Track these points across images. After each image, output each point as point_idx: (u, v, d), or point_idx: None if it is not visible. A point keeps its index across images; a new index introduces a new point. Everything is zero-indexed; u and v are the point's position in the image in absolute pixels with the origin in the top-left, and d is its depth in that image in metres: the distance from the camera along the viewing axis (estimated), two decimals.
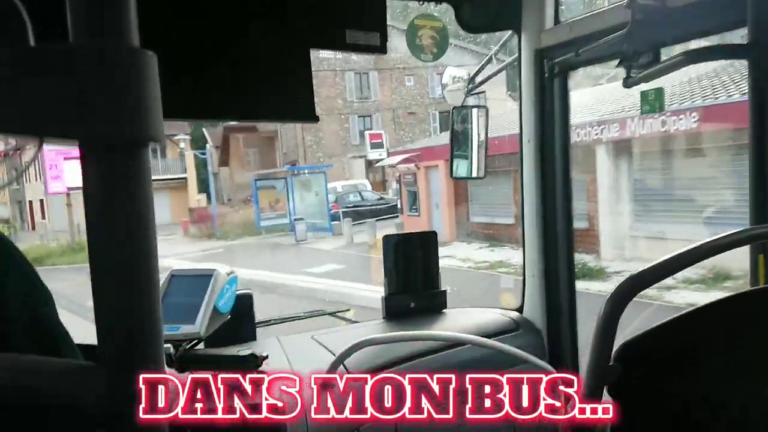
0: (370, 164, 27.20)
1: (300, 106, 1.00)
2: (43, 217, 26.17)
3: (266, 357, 1.17)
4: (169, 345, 1.15)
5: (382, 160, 21.35)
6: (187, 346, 1.18)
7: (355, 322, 1.73)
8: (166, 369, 1.21)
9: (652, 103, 1.62)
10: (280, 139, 29.35)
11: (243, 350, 1.18)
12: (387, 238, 1.72)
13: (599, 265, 9.18)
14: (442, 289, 1.76)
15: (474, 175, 1.78)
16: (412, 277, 1.73)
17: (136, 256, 0.37)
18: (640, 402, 0.80)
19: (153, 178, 0.39)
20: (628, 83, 1.39)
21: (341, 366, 1.29)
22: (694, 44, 1.33)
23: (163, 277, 1.22)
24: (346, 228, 15.84)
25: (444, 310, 1.75)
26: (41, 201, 26.20)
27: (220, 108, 0.96)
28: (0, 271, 0.56)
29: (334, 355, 1.29)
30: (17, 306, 0.56)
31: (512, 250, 11.32)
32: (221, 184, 30.38)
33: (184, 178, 27.95)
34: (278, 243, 17.14)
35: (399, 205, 17.46)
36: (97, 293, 0.37)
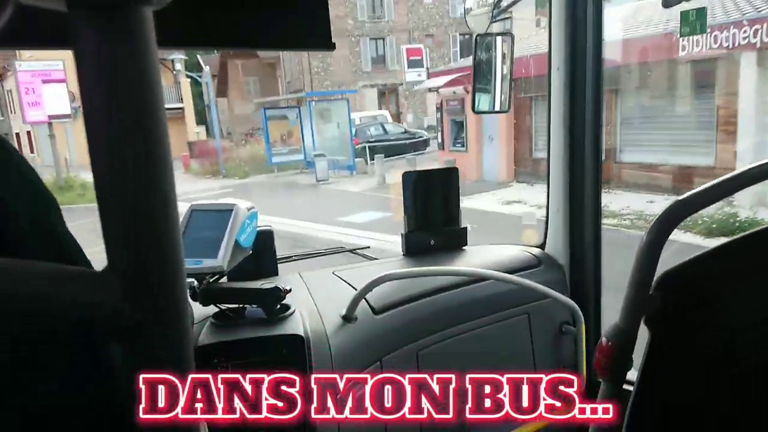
0: (382, 94, 26.68)
1: (314, 32, 0.95)
2: (32, 151, 26.25)
3: (290, 290, 1.27)
4: (192, 279, 1.25)
5: (421, 81, 19.29)
6: (211, 280, 1.27)
7: (375, 258, 1.83)
8: (190, 301, 1.30)
9: (693, 24, 1.62)
10: (282, 66, 28.73)
11: (266, 284, 1.27)
12: (407, 175, 1.79)
13: (747, 215, 6.97)
14: (464, 226, 1.85)
15: (497, 108, 1.81)
16: (432, 214, 1.81)
17: (142, 143, 0.33)
18: (676, 334, 0.83)
19: None
20: (668, 2, 1.39)
21: (363, 300, 1.40)
22: None
23: (183, 212, 1.30)
24: (378, 166, 14.69)
25: (464, 247, 1.84)
26: (28, 133, 26.16)
27: (223, 35, 0.90)
28: (2, 178, 0.53)
29: (355, 289, 1.39)
30: (24, 215, 0.53)
31: None
32: (219, 116, 30.06)
33: (181, 109, 27.54)
34: (295, 182, 16.14)
35: (440, 138, 15.65)
36: (101, 194, 0.33)
